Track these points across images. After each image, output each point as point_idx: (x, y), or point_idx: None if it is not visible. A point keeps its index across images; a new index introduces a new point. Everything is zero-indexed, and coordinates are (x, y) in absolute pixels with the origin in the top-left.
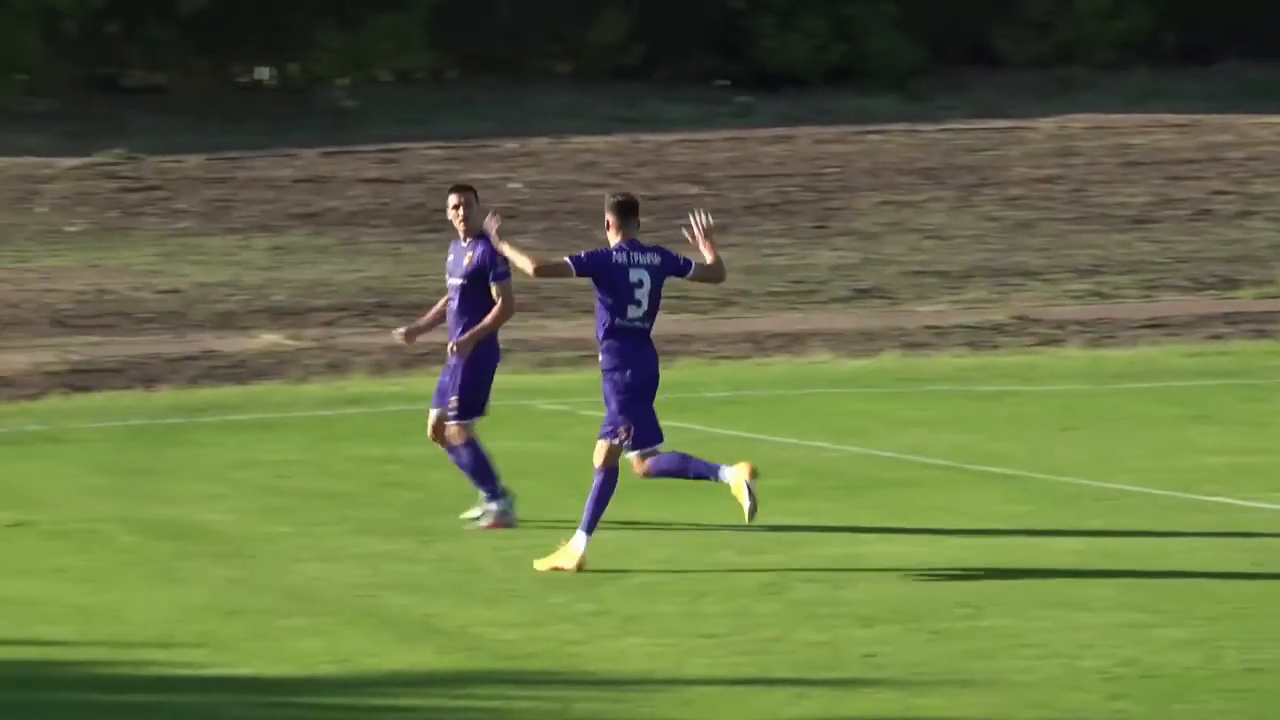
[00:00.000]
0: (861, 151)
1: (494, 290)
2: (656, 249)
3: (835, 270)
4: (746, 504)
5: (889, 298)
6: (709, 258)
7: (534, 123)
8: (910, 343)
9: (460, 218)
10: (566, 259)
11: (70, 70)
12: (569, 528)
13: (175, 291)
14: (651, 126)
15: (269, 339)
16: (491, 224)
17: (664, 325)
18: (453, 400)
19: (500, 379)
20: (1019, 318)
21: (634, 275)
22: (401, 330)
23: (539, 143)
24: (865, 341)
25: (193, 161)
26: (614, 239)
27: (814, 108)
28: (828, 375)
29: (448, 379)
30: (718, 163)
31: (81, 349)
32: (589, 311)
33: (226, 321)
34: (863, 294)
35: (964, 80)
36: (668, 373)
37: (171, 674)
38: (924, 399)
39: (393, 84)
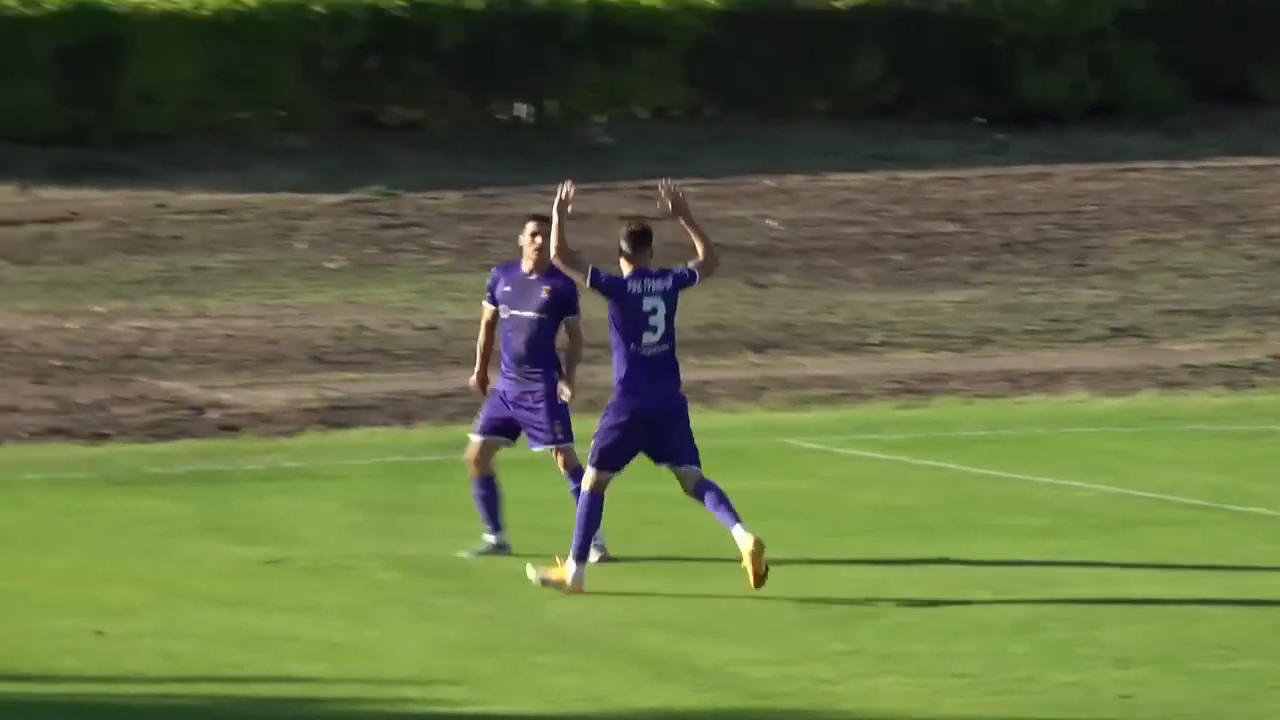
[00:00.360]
0: (1119, 189)
1: (570, 325)
2: (664, 273)
3: (1092, 309)
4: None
5: (1145, 336)
6: (699, 247)
7: (790, 160)
8: (1167, 382)
9: (536, 248)
10: (590, 265)
11: (329, 106)
12: (826, 565)
13: (432, 328)
14: (908, 164)
15: None
16: (570, 189)
17: (920, 364)
18: (556, 425)
19: (755, 417)
20: (1277, 357)
21: (648, 304)
22: (474, 383)
23: (795, 180)
24: (1122, 380)
25: (450, 198)
26: (626, 269)
27: (1071, 145)
28: (1084, 414)
29: (533, 414)
30: (974, 200)
31: (339, 385)
32: (846, 349)
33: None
34: (1119, 333)
35: (1223, 118)
36: (924, 411)
37: (427, 711)
38: (1180, 438)
39: (650, 120)
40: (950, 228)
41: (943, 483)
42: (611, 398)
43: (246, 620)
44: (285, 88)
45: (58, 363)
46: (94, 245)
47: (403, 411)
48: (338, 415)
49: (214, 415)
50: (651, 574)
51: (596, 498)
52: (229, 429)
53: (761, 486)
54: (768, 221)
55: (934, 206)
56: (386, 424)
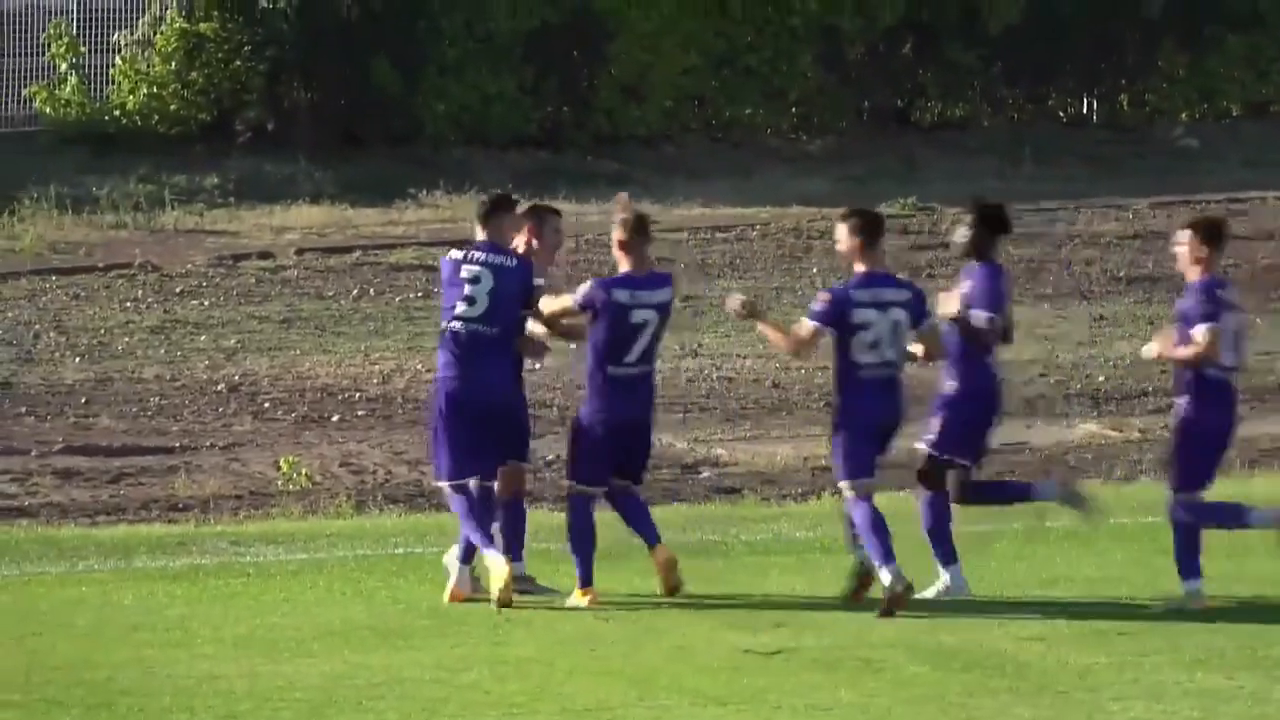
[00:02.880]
0: None
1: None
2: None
3: None
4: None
5: None
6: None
7: None
8: None
9: None
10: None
11: (853, 103)
12: None
13: None
14: None
15: (1087, 429)
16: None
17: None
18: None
19: None
20: None
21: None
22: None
23: None
24: None
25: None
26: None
27: None
28: None
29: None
30: None
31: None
32: None
33: (1037, 407)
34: None
35: None
36: None
37: None
38: None
39: (1243, 118)
40: None
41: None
42: None
43: None
44: (800, 80)
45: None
46: (565, 269)
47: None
48: None
49: (707, 474)
50: (1236, 671)
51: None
52: (726, 491)
53: None
54: None
55: None
56: (902, 486)
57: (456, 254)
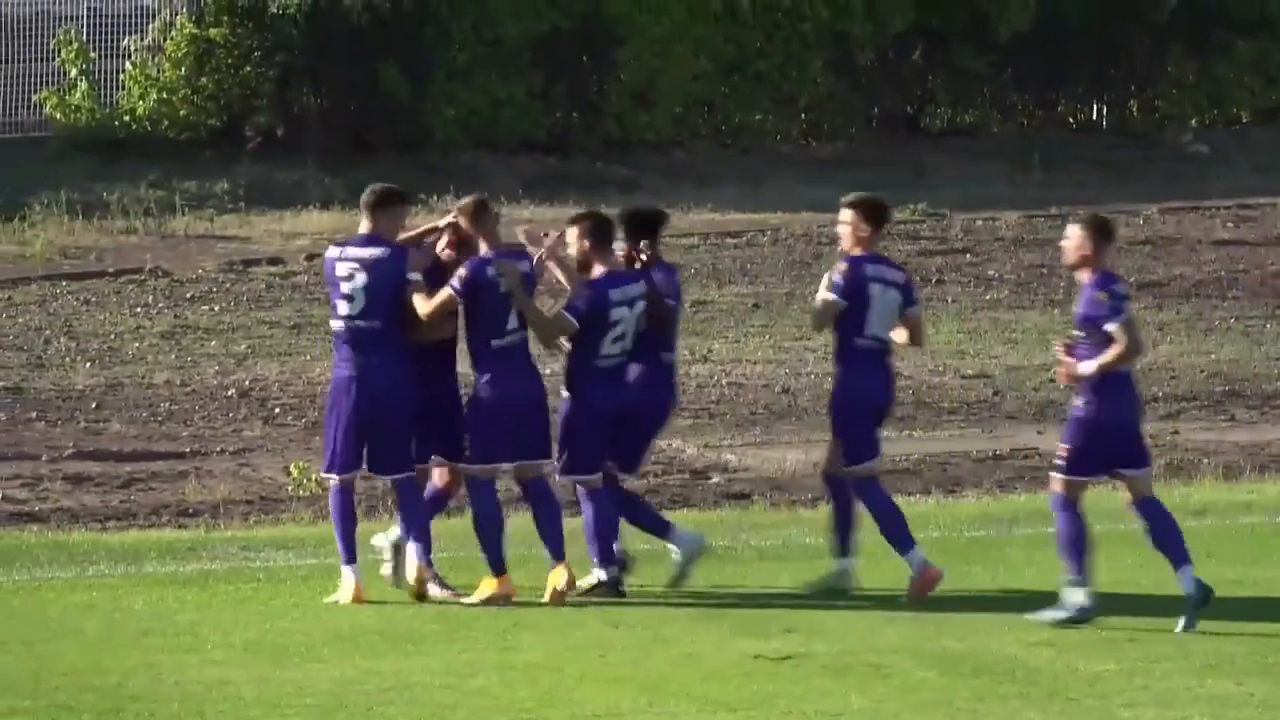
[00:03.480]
0: None
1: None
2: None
3: None
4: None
5: None
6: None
7: None
8: None
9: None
10: None
11: (862, 108)
12: None
13: (984, 376)
14: None
15: None
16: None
17: None
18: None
19: None
20: None
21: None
22: None
23: None
24: None
25: (1008, 219)
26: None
27: None
28: None
29: None
30: None
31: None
32: None
33: (1046, 413)
34: None
35: None
36: None
37: None
38: None
39: (1252, 124)
40: None
41: None
42: None
43: None
44: (810, 86)
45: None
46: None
47: (946, 477)
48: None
49: (717, 480)
50: (1246, 677)
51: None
52: (736, 497)
53: None
54: None
55: None
56: (926, 492)
57: (334, 251)
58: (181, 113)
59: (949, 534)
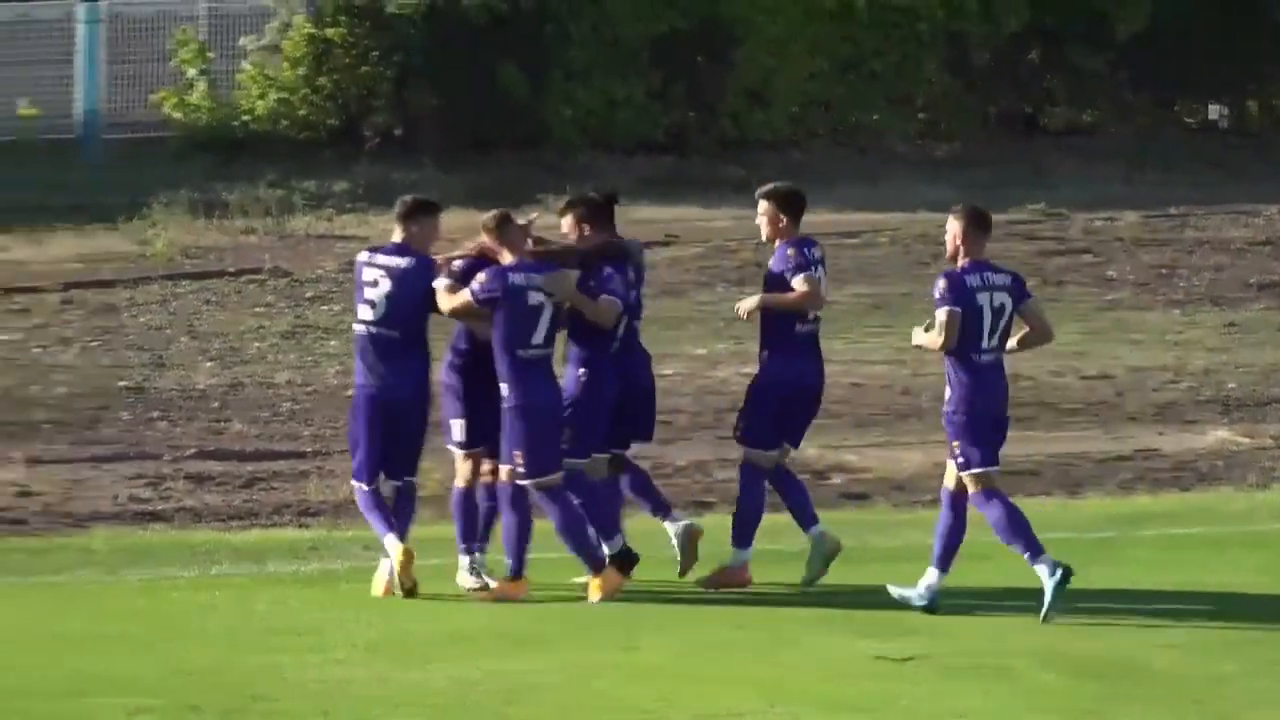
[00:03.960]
0: None
1: None
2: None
3: None
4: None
5: None
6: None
7: None
8: None
9: None
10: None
11: (980, 107)
12: None
13: (1105, 377)
14: None
15: (1219, 436)
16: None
17: None
18: None
19: None
20: None
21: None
22: None
23: None
24: None
25: (1128, 219)
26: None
27: None
28: None
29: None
30: None
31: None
32: None
33: (1167, 414)
34: None
35: None
36: None
37: None
38: None
39: None
40: None
41: None
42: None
43: None
44: (926, 85)
45: (661, 416)
46: (694, 274)
47: (1068, 478)
48: None
49: (837, 480)
50: None
51: None
52: (855, 497)
53: None
54: None
55: None
56: (1047, 493)
57: (364, 255)
58: (300, 112)
59: (1072, 535)
